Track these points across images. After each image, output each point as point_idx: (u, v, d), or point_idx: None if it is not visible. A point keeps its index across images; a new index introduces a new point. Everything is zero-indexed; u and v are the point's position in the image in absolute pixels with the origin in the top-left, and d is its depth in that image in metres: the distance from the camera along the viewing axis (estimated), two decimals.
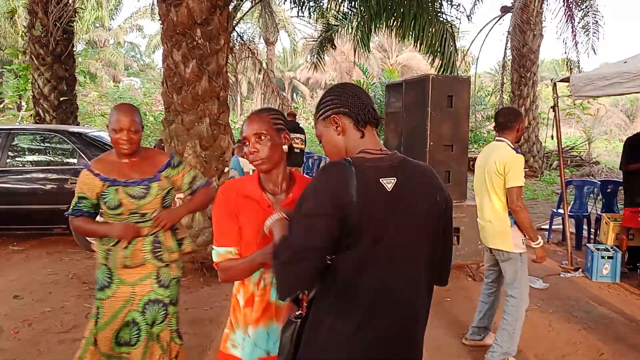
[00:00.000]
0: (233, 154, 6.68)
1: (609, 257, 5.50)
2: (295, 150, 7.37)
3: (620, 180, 6.47)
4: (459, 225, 5.17)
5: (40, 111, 9.93)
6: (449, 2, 7.63)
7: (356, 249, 1.43)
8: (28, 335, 4.00)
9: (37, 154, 6.84)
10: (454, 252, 5.20)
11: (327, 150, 1.66)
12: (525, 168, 3.56)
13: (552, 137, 6.26)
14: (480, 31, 15.22)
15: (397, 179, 1.49)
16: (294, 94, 44.05)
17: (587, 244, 6.05)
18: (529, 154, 14.34)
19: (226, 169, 5.53)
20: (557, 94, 6.13)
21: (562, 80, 6.22)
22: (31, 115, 10.84)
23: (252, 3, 10.88)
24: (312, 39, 13.82)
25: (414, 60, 33.01)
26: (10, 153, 6.52)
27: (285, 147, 1.83)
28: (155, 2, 5.66)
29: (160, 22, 5.41)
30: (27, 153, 6.82)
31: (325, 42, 11.03)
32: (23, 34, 12.73)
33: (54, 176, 6.38)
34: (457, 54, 8.79)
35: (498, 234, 3.48)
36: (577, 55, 13.68)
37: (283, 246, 1.45)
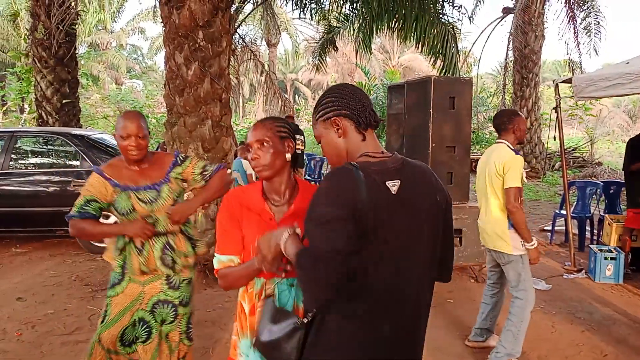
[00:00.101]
0: (236, 156, 6.68)
1: (612, 259, 5.48)
2: (298, 150, 7.38)
3: (623, 181, 6.46)
4: (461, 226, 5.16)
5: (43, 114, 9.96)
6: (451, 4, 7.63)
7: (365, 252, 1.43)
8: (31, 337, 4.01)
9: (39, 156, 6.87)
10: (456, 254, 5.21)
11: (327, 152, 1.65)
12: (526, 168, 3.57)
13: (554, 138, 6.26)
14: (482, 32, 15.24)
15: (401, 181, 1.50)
16: (296, 96, 44.08)
17: (590, 245, 6.04)
18: (531, 155, 14.31)
19: (228, 171, 5.54)
20: (559, 95, 6.12)
21: (564, 81, 6.21)
22: (34, 117, 10.88)
23: (254, 5, 10.89)
24: (314, 41, 13.85)
25: (416, 62, 33.04)
26: (13, 155, 6.54)
27: (288, 156, 1.82)
28: (158, 5, 5.67)
29: (162, 24, 5.42)
30: (29, 155, 6.85)
31: (327, 43, 11.04)
32: (25, 36, 12.78)
33: (57, 178, 6.40)
34: (459, 55, 8.79)
35: (497, 235, 3.49)
36: (579, 56, 13.67)
37: (306, 256, 1.42)
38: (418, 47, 7.86)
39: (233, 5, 6.87)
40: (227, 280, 1.82)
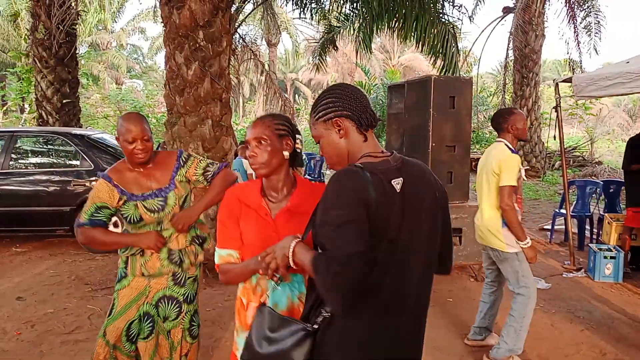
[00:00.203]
0: (236, 156, 6.68)
1: (611, 257, 5.49)
2: (297, 149, 7.35)
3: (623, 181, 6.46)
4: (461, 225, 5.17)
5: (43, 113, 9.97)
6: (451, 3, 7.63)
7: (375, 251, 1.43)
8: (31, 336, 4.02)
9: (40, 156, 6.87)
10: (456, 253, 5.22)
11: (327, 152, 1.64)
12: (526, 167, 3.57)
13: (554, 137, 6.26)
14: (482, 32, 15.24)
15: (403, 179, 1.51)
16: (296, 95, 44.07)
17: (590, 244, 6.04)
18: (531, 154, 14.31)
19: None
20: (559, 94, 6.13)
21: (564, 81, 6.22)
22: (34, 117, 10.89)
23: (254, 5, 10.88)
24: (314, 41, 13.85)
25: (416, 61, 33.04)
26: (13, 155, 6.55)
27: (286, 154, 1.83)
28: (158, 5, 5.67)
29: (162, 24, 5.42)
30: (30, 155, 6.85)
31: (327, 43, 11.04)
32: (26, 36, 12.79)
33: (57, 178, 6.40)
34: (459, 55, 8.78)
35: (491, 232, 3.50)
36: (579, 55, 13.67)
37: (325, 261, 1.40)
38: (418, 47, 7.86)
39: (233, 5, 6.87)
40: (228, 276, 1.85)
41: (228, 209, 1.87)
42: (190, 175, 2.66)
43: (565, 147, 6.88)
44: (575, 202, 7.36)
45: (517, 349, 3.47)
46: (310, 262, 1.44)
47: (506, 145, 3.49)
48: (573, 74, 9.21)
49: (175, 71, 5.25)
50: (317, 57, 11.56)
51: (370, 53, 10.14)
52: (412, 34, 7.30)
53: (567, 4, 13.08)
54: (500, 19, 15.00)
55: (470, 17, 11.60)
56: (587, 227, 7.05)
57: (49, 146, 6.86)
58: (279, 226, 1.80)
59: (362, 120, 1.58)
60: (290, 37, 32.71)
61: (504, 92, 15.80)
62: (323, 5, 9.46)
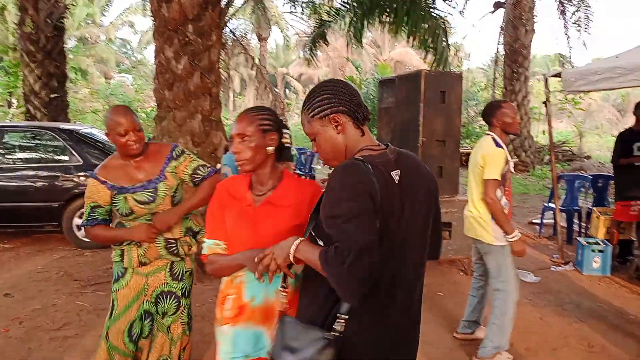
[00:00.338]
0: (226, 151, 6.65)
1: (599, 251, 5.54)
2: (286, 144, 7.34)
3: (611, 175, 6.52)
4: (450, 220, 5.19)
5: (31, 108, 9.87)
6: None
7: (380, 244, 1.45)
8: (19, 333, 3.98)
9: (27, 151, 6.79)
10: (445, 247, 5.24)
11: (324, 149, 1.64)
12: (515, 160, 3.58)
13: (543, 132, 6.29)
14: (472, 27, 15.27)
15: (400, 170, 1.54)
16: (287, 90, 43.98)
17: (578, 238, 6.08)
18: (520, 148, 14.39)
19: (218, 166, 5.51)
20: (548, 89, 6.15)
21: (554, 76, 6.23)
22: (22, 112, 10.78)
23: None
24: (305, 35, 13.78)
25: (407, 56, 32.99)
26: (0, 151, 6.48)
27: (270, 149, 1.83)
28: None
29: (152, 18, 5.38)
30: (17, 150, 6.77)
31: (318, 37, 10.99)
32: (13, 30, 12.62)
33: (45, 174, 6.34)
34: (450, 50, 8.80)
35: (479, 224, 3.50)
36: (569, 50, 13.76)
37: (337, 254, 1.40)
38: (409, 41, 7.86)
39: None
40: (213, 267, 1.88)
41: (217, 200, 1.91)
42: (179, 171, 2.64)
43: (554, 141, 6.92)
44: (564, 196, 7.41)
45: (503, 345, 3.49)
46: (320, 257, 1.45)
47: (494, 139, 3.47)
48: (563, 68, 9.26)
49: (165, 65, 5.21)
50: (308, 52, 11.51)
51: (361, 48, 10.13)
52: (403, 28, 7.29)
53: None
54: (491, 13, 15.06)
55: (460, 12, 11.62)
56: (576, 221, 7.10)
57: (37, 141, 6.78)
58: (259, 217, 1.82)
59: (358, 115, 1.60)
60: (281, 31, 32.57)
61: (494, 86, 15.86)
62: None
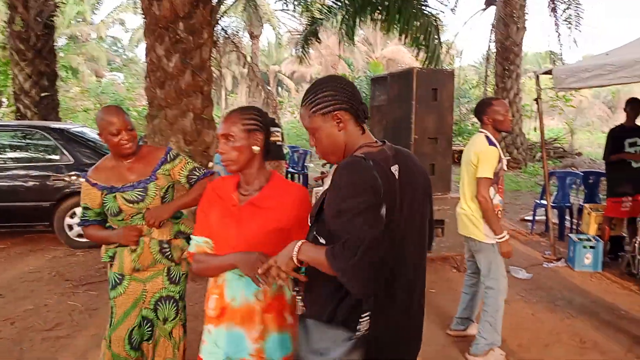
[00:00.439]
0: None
1: (590, 247, 5.58)
2: (277, 142, 7.32)
3: (602, 171, 6.56)
4: (443, 217, 5.20)
5: (21, 107, 9.79)
6: None
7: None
8: (10, 333, 3.96)
9: (18, 150, 6.74)
10: (438, 244, 5.24)
11: (324, 145, 1.65)
12: (507, 157, 3.57)
13: (535, 129, 6.33)
14: (464, 24, 15.32)
15: (399, 166, 1.56)
16: (279, 88, 43.86)
17: (570, 234, 6.12)
18: (512, 145, 14.45)
19: (210, 164, 5.50)
20: (539, 87, 6.18)
21: (544, 73, 6.26)
22: (12, 111, 10.69)
23: None
24: (297, 33, 13.76)
25: (399, 54, 33.01)
26: None
27: (255, 149, 1.83)
28: None
29: (142, 16, 5.35)
30: (7, 150, 6.71)
31: (310, 35, 10.98)
32: (3, 29, 12.51)
33: (36, 173, 6.29)
34: (442, 47, 8.81)
35: (471, 222, 3.50)
36: (560, 47, 13.81)
37: (348, 247, 1.41)
38: (401, 39, 7.86)
39: None
40: (201, 266, 1.89)
41: (207, 199, 1.94)
42: (174, 173, 2.63)
43: (545, 138, 6.96)
44: (555, 193, 7.46)
45: (495, 341, 3.51)
46: (326, 254, 1.45)
47: (486, 136, 3.47)
48: (554, 66, 9.30)
49: (156, 63, 5.18)
50: (300, 50, 11.50)
51: (353, 45, 10.13)
52: (395, 26, 7.29)
53: None
54: (482, 11, 15.10)
55: (452, 10, 11.64)
56: (567, 217, 7.15)
57: (28, 140, 6.72)
58: (243, 217, 1.83)
59: (360, 113, 1.63)
60: (273, 29, 32.58)
61: (486, 84, 15.91)
62: None
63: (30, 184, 6.27)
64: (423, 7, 7.41)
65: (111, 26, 36.12)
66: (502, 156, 3.45)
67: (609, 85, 5.64)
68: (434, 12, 7.62)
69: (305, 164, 11.29)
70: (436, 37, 7.57)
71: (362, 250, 1.39)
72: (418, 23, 7.25)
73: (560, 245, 6.38)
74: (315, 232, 1.60)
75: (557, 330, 4.08)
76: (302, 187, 1.98)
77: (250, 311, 1.83)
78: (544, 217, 7.08)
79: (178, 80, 5.15)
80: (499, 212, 3.48)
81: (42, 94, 9.79)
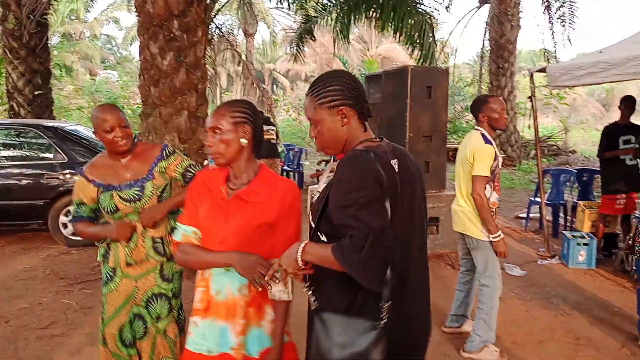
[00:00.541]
0: None
1: (584, 244, 5.60)
2: (272, 140, 7.27)
3: (596, 169, 6.59)
4: (437, 214, 5.21)
5: (15, 105, 9.73)
6: None
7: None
8: (5, 332, 3.95)
9: (11, 149, 6.69)
10: (433, 242, 5.25)
11: (325, 137, 1.67)
12: (502, 155, 3.57)
13: (529, 126, 6.35)
14: (459, 22, 15.36)
15: (398, 160, 1.58)
16: (274, 86, 43.80)
17: (564, 232, 6.15)
18: (507, 143, 14.49)
19: (205, 162, 5.49)
20: (534, 84, 6.20)
21: (539, 71, 6.29)
22: (5, 109, 10.63)
23: None
24: (292, 31, 13.75)
25: (394, 52, 33.02)
26: None
27: (243, 141, 1.82)
28: None
29: (136, 14, 5.32)
30: (1, 148, 6.68)
31: (305, 33, 10.97)
32: None
33: (30, 171, 6.27)
34: (436, 45, 8.82)
35: (467, 219, 3.51)
36: (554, 45, 13.85)
37: (355, 240, 1.42)
38: (396, 37, 7.87)
39: None
40: (186, 258, 1.88)
41: (195, 189, 1.93)
42: (170, 170, 2.63)
43: (540, 136, 6.98)
44: (549, 190, 7.49)
45: (490, 338, 3.52)
46: (333, 251, 1.46)
47: (483, 134, 3.47)
48: (548, 63, 9.34)
49: (150, 61, 5.16)
50: (295, 48, 11.49)
51: (348, 43, 10.12)
52: (390, 24, 7.31)
53: None
54: (476, 9, 15.12)
55: (446, 8, 11.67)
56: (561, 214, 7.18)
57: (21, 139, 6.68)
58: (229, 211, 1.83)
59: (364, 110, 1.65)
60: (268, 27, 32.37)
61: (481, 82, 15.94)
62: None
63: (24, 182, 6.24)
64: (417, 5, 7.43)
65: (105, 24, 35.94)
66: (498, 154, 3.46)
67: (602, 83, 5.66)
68: (428, 10, 7.68)
69: (300, 162, 11.28)
70: (430, 35, 7.59)
71: (370, 243, 1.40)
72: (412, 21, 7.27)
73: (554, 243, 6.41)
74: (316, 229, 1.61)
75: (551, 327, 4.11)
76: (291, 181, 1.97)
77: (234, 305, 1.83)
78: (538, 215, 7.11)
79: (172, 79, 5.13)
80: (495, 210, 3.49)
81: (36, 92, 9.73)
